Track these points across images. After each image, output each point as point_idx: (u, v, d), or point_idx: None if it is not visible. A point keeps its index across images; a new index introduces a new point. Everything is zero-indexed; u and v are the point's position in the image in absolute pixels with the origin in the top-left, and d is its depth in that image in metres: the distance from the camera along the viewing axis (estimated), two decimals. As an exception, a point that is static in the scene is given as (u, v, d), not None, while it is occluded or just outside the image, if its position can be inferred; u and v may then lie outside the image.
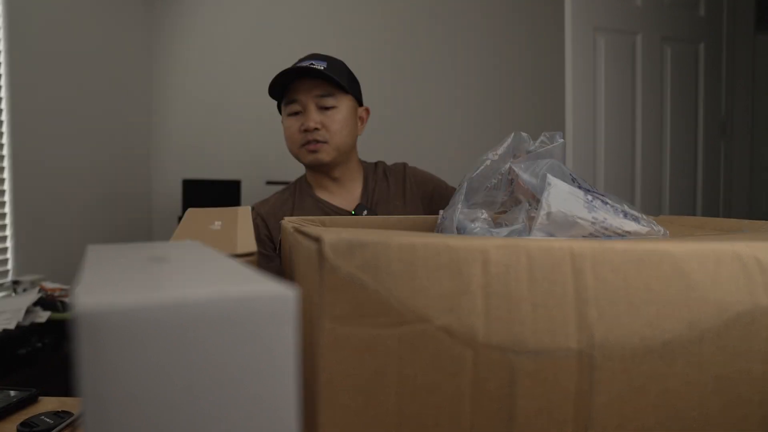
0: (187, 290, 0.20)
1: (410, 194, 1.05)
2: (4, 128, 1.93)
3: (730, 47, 2.12)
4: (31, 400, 0.67)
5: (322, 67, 0.95)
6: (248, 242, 0.51)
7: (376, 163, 1.13)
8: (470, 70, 2.76)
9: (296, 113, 0.99)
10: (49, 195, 2.14)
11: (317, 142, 0.97)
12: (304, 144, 0.98)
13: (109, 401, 0.19)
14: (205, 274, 0.25)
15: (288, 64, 1.00)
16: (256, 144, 2.85)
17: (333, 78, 0.95)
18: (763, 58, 2.47)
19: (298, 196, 1.05)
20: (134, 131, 2.79)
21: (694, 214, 2.10)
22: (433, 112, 2.76)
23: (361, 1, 2.79)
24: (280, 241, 0.96)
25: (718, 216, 2.14)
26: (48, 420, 0.60)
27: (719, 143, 2.14)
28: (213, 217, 0.56)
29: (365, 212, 0.99)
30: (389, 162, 1.14)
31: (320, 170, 1.03)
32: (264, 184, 2.72)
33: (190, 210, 0.58)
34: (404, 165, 1.13)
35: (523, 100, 2.76)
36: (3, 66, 1.91)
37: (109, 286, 0.22)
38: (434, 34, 2.75)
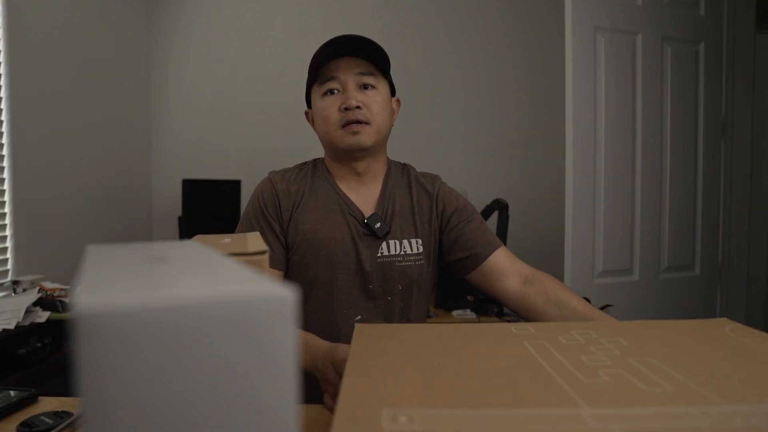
0: (186, 291, 0.20)
1: (428, 215, 0.98)
2: (4, 128, 1.93)
3: (730, 47, 2.12)
4: (31, 400, 0.67)
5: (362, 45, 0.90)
6: (258, 243, 0.51)
7: (404, 165, 1.05)
8: (470, 69, 2.76)
9: (333, 92, 0.92)
10: (49, 195, 2.14)
11: (359, 122, 0.91)
12: (345, 125, 0.91)
13: (109, 401, 0.19)
14: (204, 275, 0.25)
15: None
16: (256, 144, 2.85)
17: (375, 45, 0.90)
18: (763, 58, 2.47)
19: (313, 178, 0.99)
20: (134, 131, 2.79)
21: (694, 215, 2.10)
22: (433, 111, 2.76)
23: (360, 0, 2.79)
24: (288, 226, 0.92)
25: (718, 215, 2.14)
26: (48, 420, 0.60)
27: (719, 143, 2.14)
28: (222, 237, 0.56)
29: (378, 225, 0.92)
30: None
31: (349, 158, 0.96)
32: (264, 184, 2.72)
33: (196, 236, 0.58)
34: (435, 179, 1.03)
35: (523, 100, 2.76)
36: (3, 66, 1.91)
37: (109, 287, 0.22)
38: (434, 34, 2.75)
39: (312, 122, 1.01)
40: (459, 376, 0.43)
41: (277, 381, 0.21)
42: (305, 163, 1.04)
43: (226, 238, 0.55)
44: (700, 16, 2.07)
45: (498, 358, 0.48)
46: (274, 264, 0.93)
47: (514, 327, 0.58)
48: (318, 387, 1.00)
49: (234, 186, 2.61)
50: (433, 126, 2.76)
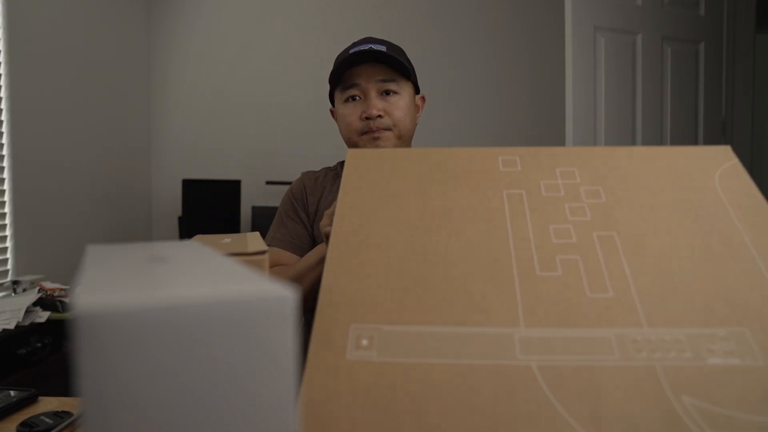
0: (186, 291, 0.20)
1: None
2: (4, 128, 1.93)
3: (730, 47, 2.12)
4: (31, 400, 0.67)
5: (383, 49, 0.91)
6: (258, 243, 0.51)
7: None
8: (470, 69, 2.76)
9: (354, 99, 0.93)
10: (49, 195, 2.14)
11: (380, 129, 0.91)
12: (366, 132, 0.92)
13: (109, 401, 0.19)
14: (204, 275, 0.25)
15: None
16: (256, 144, 2.85)
17: (397, 59, 0.90)
18: (763, 58, 2.47)
19: (340, 177, 1.01)
20: (134, 131, 2.79)
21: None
22: (433, 111, 2.75)
23: (360, 0, 2.79)
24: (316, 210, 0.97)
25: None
26: (48, 420, 0.60)
27: (719, 143, 2.14)
28: (222, 237, 0.56)
29: None
30: None
31: None
32: (264, 184, 2.73)
33: (196, 236, 0.58)
34: None
35: (523, 100, 2.76)
36: (3, 66, 1.91)
37: (109, 287, 0.22)
38: (434, 34, 2.75)
39: (337, 121, 1.03)
40: (423, 266, 0.48)
41: (277, 381, 0.21)
42: (333, 166, 1.06)
43: (226, 238, 0.55)
44: (700, 16, 2.07)
45: (469, 224, 0.50)
46: (298, 251, 0.94)
47: (502, 161, 0.56)
48: None
49: (234, 186, 2.62)
50: (433, 126, 2.76)
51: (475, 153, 0.58)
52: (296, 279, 0.81)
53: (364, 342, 0.43)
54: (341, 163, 1.06)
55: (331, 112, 1.04)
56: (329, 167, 1.06)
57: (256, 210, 2.63)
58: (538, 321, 0.44)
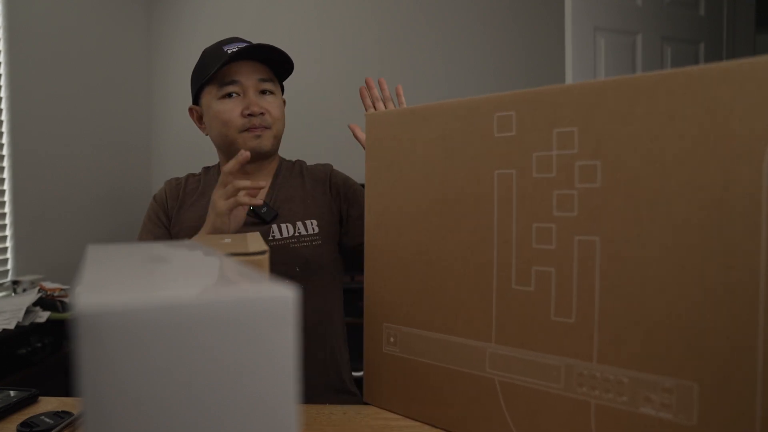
0: (186, 291, 0.20)
1: (323, 198, 1.00)
2: (4, 128, 1.93)
3: (730, 47, 2.12)
4: (31, 400, 0.67)
5: (268, 46, 0.92)
6: (258, 243, 0.51)
7: (295, 161, 1.09)
8: (469, 70, 2.76)
9: (231, 96, 0.92)
10: (49, 195, 2.14)
11: (263, 127, 0.92)
12: (247, 129, 0.92)
13: (109, 401, 0.19)
14: (204, 275, 0.25)
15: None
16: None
17: (285, 55, 0.92)
18: (763, 58, 2.46)
19: (202, 181, 1.03)
20: (134, 131, 2.79)
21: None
22: (433, 112, 2.75)
23: (359, 0, 2.79)
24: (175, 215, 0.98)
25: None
26: (48, 420, 0.60)
27: (719, 143, 2.14)
28: (222, 237, 0.56)
29: (264, 209, 0.93)
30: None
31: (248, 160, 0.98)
32: (264, 184, 2.73)
33: (196, 237, 0.59)
34: (326, 166, 1.08)
35: (523, 100, 2.76)
36: (3, 66, 1.91)
37: (110, 287, 0.22)
38: (433, 35, 2.75)
39: (197, 120, 1.01)
40: (425, 271, 0.58)
41: (277, 381, 0.21)
42: (197, 173, 1.08)
43: (226, 238, 0.55)
44: (700, 16, 2.07)
45: (462, 220, 0.55)
46: None
47: (497, 119, 0.53)
48: (317, 385, 0.95)
49: (234, 186, 2.61)
50: (433, 126, 2.76)
51: (471, 111, 0.57)
52: None
53: (392, 339, 0.61)
54: (206, 169, 1.07)
55: (191, 110, 1.02)
56: (193, 174, 1.07)
57: (256, 210, 2.63)
58: (506, 339, 0.51)
